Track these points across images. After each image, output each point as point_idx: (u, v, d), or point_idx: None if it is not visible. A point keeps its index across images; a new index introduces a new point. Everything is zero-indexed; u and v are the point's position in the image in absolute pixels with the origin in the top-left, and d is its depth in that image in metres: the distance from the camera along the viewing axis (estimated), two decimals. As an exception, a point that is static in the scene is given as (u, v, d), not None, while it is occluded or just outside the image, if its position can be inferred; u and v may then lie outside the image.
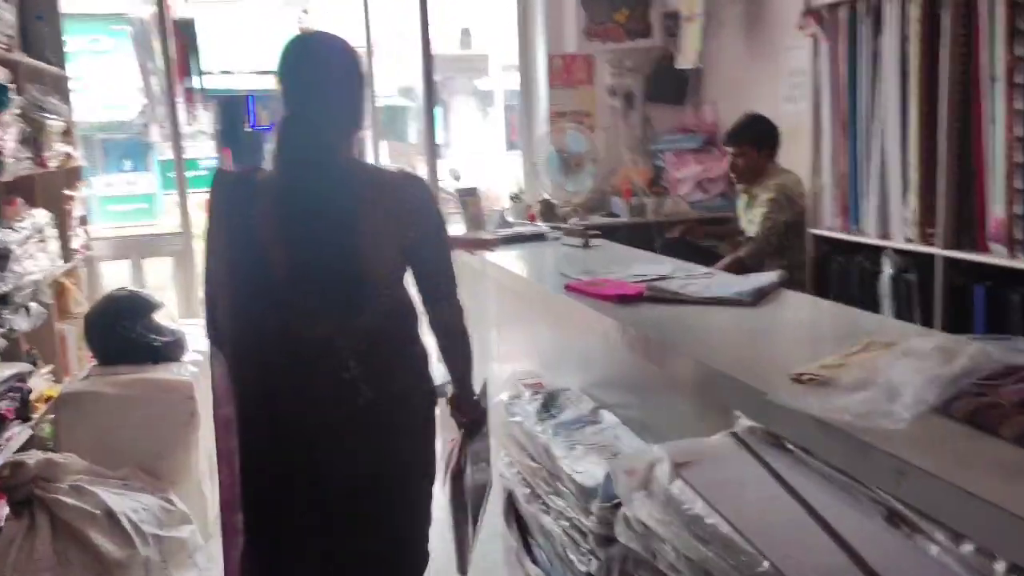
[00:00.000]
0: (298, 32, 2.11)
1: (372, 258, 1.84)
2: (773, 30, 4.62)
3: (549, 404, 2.69)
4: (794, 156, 4.49)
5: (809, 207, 3.95)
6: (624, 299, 2.45)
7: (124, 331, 3.41)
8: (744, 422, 1.78)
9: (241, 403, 1.89)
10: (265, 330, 1.84)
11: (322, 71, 1.86)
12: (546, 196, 5.04)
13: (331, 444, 1.87)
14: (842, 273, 3.78)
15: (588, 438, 2.40)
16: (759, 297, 2.42)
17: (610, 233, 4.88)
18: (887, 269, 3.46)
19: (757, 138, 3.96)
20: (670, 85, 5.36)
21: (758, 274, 2.72)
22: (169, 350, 3.47)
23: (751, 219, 3.97)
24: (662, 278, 2.78)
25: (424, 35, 4.64)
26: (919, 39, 3.20)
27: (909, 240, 3.35)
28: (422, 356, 2.02)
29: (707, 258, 3.92)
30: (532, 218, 4.85)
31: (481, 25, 5.64)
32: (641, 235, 5.04)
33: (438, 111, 5.71)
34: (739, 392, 1.71)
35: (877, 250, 3.53)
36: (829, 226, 3.84)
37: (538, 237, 4.10)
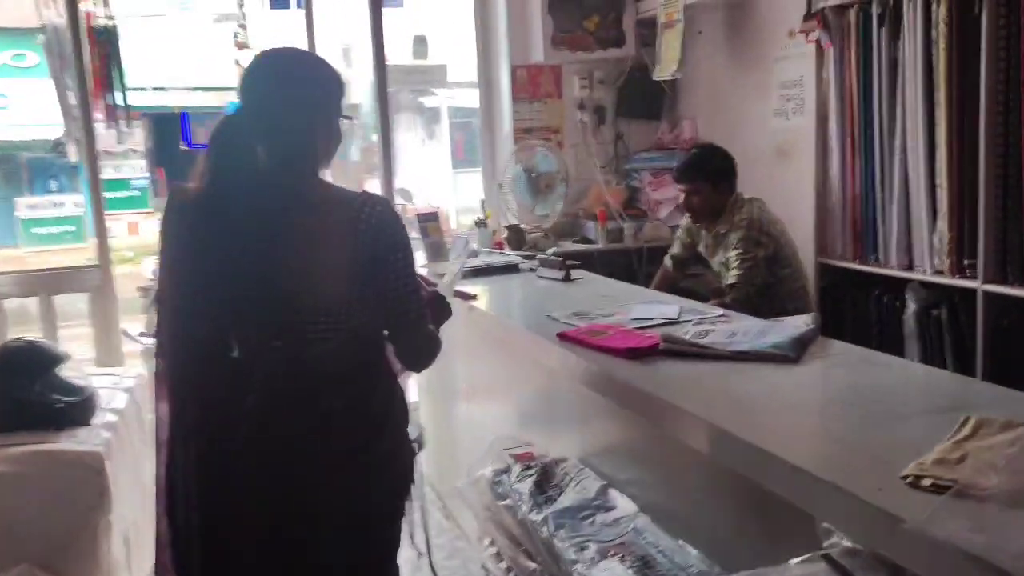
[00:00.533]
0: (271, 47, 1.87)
1: (315, 282, 1.65)
2: (761, 39, 4.22)
3: (544, 482, 2.20)
4: (788, 177, 4.09)
5: (807, 233, 3.54)
6: (636, 353, 1.99)
7: (20, 392, 2.82)
8: (839, 540, 1.32)
9: (177, 435, 1.73)
10: (203, 355, 1.69)
11: (273, 86, 1.70)
12: (513, 221, 4.56)
13: (263, 491, 1.66)
14: (856, 308, 3.37)
15: (601, 532, 1.92)
16: (801, 349, 1.98)
17: (586, 261, 4.42)
18: (912, 305, 3.05)
19: (711, 173, 3.49)
20: (644, 99, 4.93)
21: (790, 319, 2.27)
22: (76, 412, 2.88)
23: (723, 262, 3.55)
24: (671, 322, 2.32)
25: (377, 43, 4.13)
26: (947, 43, 2.81)
27: (939, 272, 2.94)
28: (388, 401, 1.78)
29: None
30: (500, 246, 4.36)
31: (438, 33, 5.14)
32: (620, 263, 4.59)
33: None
34: (832, 502, 1.26)
35: (899, 283, 3.13)
36: (840, 255, 3.43)
37: (510, 268, 3.63)
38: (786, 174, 4.09)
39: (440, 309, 1.94)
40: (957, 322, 2.90)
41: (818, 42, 3.35)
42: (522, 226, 4.48)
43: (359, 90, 4.80)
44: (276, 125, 1.67)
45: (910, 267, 3.07)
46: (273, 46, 1.83)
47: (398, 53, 5.02)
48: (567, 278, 3.28)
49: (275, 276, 1.61)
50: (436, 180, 7.64)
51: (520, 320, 2.65)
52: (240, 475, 1.65)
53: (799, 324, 2.17)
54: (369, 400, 1.72)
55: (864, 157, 3.24)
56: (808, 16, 3.35)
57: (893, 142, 3.09)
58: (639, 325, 2.32)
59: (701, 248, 3.79)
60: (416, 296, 1.74)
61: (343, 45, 5.83)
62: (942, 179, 2.86)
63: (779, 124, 4.14)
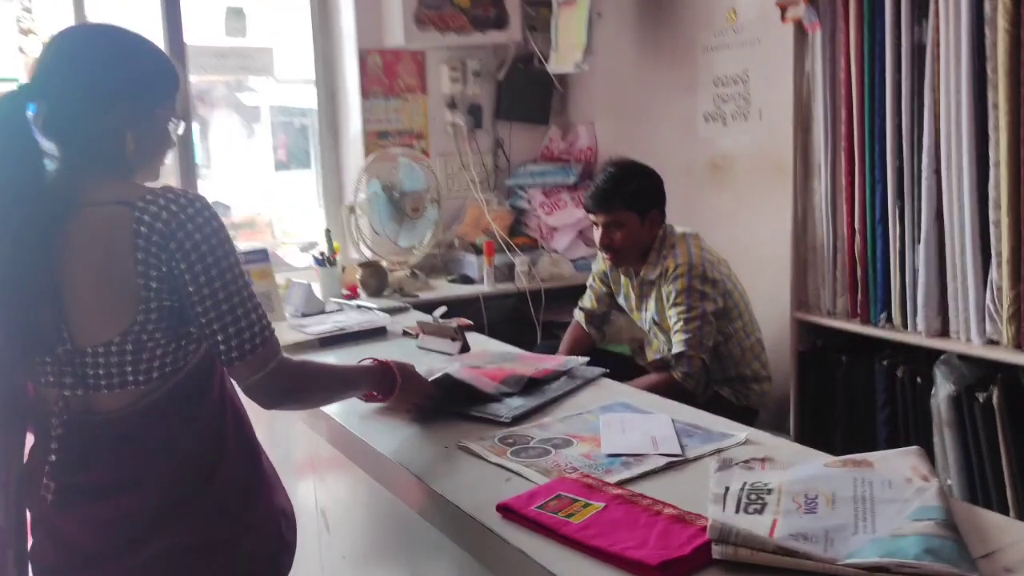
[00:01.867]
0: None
1: (95, 310, 1.26)
2: (686, 23, 3.30)
3: None
4: (725, 201, 3.19)
5: (772, 279, 2.66)
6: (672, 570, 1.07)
7: None
8: None
9: None
10: None
11: (64, 71, 1.33)
12: (370, 256, 3.43)
13: None
14: (852, 380, 2.50)
15: None
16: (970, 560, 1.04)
17: (469, 310, 3.37)
18: (947, 385, 2.19)
19: (637, 200, 2.55)
20: (531, 96, 3.92)
21: (887, 456, 1.33)
22: None
23: (655, 320, 2.65)
24: (673, 459, 1.39)
25: (170, 14, 2.86)
26: (1010, 21, 1.96)
27: (993, 342, 2.10)
28: (225, 484, 1.35)
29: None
30: (353, 291, 3.22)
31: (259, 6, 3.92)
32: (512, 312, 3.57)
33: (194, 126, 3.95)
34: None
35: (925, 354, 2.27)
36: (828, 312, 2.54)
37: (374, 333, 2.53)
38: (723, 197, 3.19)
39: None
40: (1019, 410, 2.07)
41: (799, 22, 2.44)
42: (383, 263, 3.36)
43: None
44: (65, 120, 1.31)
45: (943, 332, 2.21)
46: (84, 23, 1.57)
47: (206, 30, 3.78)
48: (464, 348, 2.25)
49: (53, 301, 1.26)
50: (256, 184, 6.51)
51: (406, 452, 1.58)
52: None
53: (921, 483, 1.24)
54: (184, 475, 1.31)
55: (869, 179, 2.36)
56: (787, -15, 2.44)
57: (918, 159, 2.22)
58: (628, 474, 1.34)
59: (621, 299, 2.84)
60: (245, 323, 1.29)
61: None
62: (1001, 212, 2.01)
63: (712, 132, 3.24)
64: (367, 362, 1.67)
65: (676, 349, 2.50)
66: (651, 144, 3.42)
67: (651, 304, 2.68)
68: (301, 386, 1.41)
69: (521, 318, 3.57)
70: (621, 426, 1.64)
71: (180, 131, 1.43)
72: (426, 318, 2.42)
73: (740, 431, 1.62)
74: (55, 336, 1.25)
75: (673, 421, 1.66)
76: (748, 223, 3.02)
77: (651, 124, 3.53)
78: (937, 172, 2.17)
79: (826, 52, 2.43)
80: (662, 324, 2.66)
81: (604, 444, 1.54)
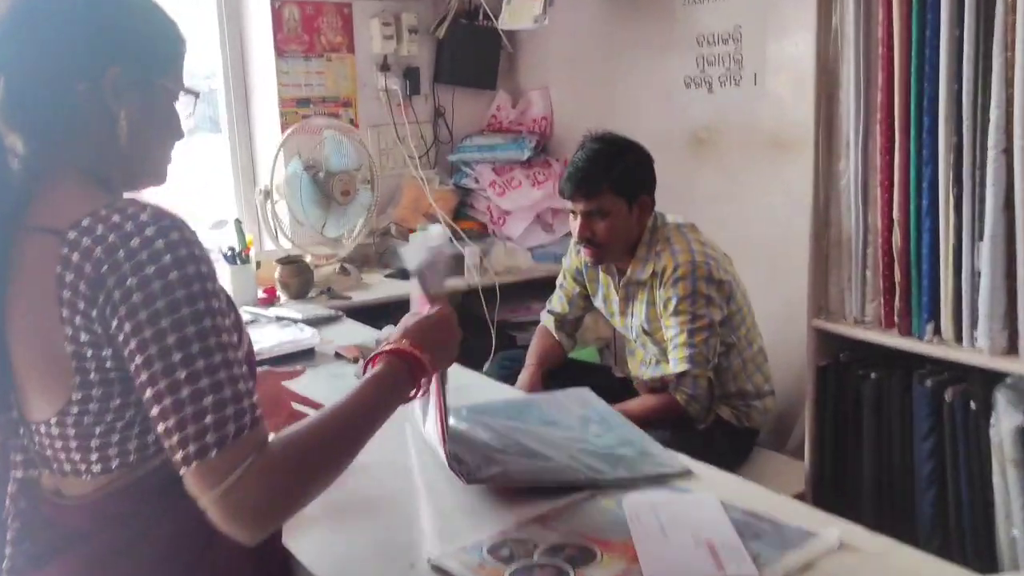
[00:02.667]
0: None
1: (23, 374, 0.96)
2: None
3: None
4: (708, 180, 2.73)
5: (783, 280, 2.23)
6: None
7: None
8: None
9: None
10: None
11: (15, 34, 0.96)
12: (291, 249, 2.86)
13: None
14: (885, 403, 2.07)
15: None
16: None
17: (400, 315, 2.85)
18: (1011, 415, 1.78)
19: (626, 183, 2.13)
20: (476, 57, 3.39)
21: None
22: None
23: (644, 329, 2.23)
24: None
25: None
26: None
27: (1081, 366, 1.69)
28: None
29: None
30: (271, 293, 2.66)
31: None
32: (463, 314, 3.06)
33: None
34: None
35: (980, 374, 1.85)
36: (857, 320, 2.10)
37: (301, 356, 2.04)
38: (707, 177, 2.73)
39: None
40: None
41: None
42: (307, 258, 2.80)
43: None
44: (33, 98, 0.97)
45: (1012, 350, 1.79)
46: None
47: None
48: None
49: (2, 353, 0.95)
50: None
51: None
52: None
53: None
54: None
55: (915, 160, 1.91)
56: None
57: (982, 135, 1.77)
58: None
59: (599, 301, 2.37)
60: (192, 411, 0.86)
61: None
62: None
63: (694, 100, 2.77)
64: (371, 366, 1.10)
65: (679, 368, 2.07)
66: (618, 113, 2.94)
67: (640, 309, 2.22)
68: (300, 475, 0.93)
69: (471, 317, 3.06)
70: (658, 523, 1.16)
71: (191, 114, 1.09)
72: (367, 340, 1.89)
73: (824, 525, 1.16)
74: (3, 398, 0.97)
75: (724, 506, 1.20)
76: (739, 208, 2.58)
77: (618, 90, 3.04)
78: (1007, 152, 1.73)
79: (860, 2, 1.96)
80: (654, 334, 2.20)
81: (644, 563, 1.06)
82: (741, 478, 1.35)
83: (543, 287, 3.00)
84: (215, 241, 3.72)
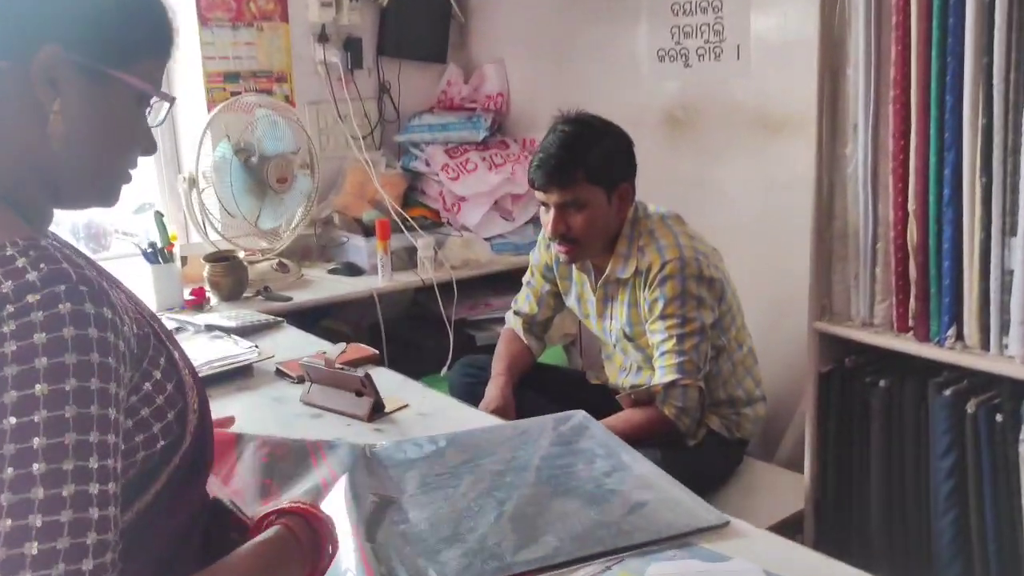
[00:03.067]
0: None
1: None
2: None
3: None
4: (686, 162, 2.50)
5: (782, 278, 2.01)
6: None
7: None
8: None
9: None
10: None
11: None
12: (220, 243, 2.53)
13: None
14: (896, 413, 1.87)
15: None
16: None
17: (361, 314, 2.58)
18: (1047, 431, 1.59)
19: (604, 170, 1.89)
20: (424, 27, 3.09)
21: None
22: None
23: (626, 332, 2.00)
24: None
25: None
26: None
27: None
28: None
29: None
30: (200, 295, 2.34)
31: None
32: (416, 316, 2.79)
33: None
34: None
35: (1011, 384, 1.66)
36: (865, 322, 1.89)
37: (237, 373, 1.76)
38: (683, 159, 2.50)
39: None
40: None
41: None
42: (240, 254, 2.48)
43: None
44: None
45: (1047, 359, 1.60)
46: None
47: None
48: (377, 409, 1.51)
49: None
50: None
51: None
52: None
53: None
54: None
55: (935, 144, 1.69)
56: None
57: (1016, 118, 1.56)
58: None
59: (572, 301, 2.13)
60: (38, 551, 0.63)
61: None
62: None
63: (669, 75, 2.53)
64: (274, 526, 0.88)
65: (667, 377, 1.85)
66: (583, 90, 2.68)
67: (620, 311, 1.98)
68: None
69: (424, 315, 2.80)
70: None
71: (160, 119, 0.86)
72: (316, 363, 1.61)
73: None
74: None
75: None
76: (720, 196, 2.35)
77: (582, 64, 2.78)
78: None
79: (873, -35, 1.73)
80: (636, 339, 1.97)
81: None
82: (786, 540, 1.11)
83: (504, 281, 2.75)
84: (139, 227, 3.36)
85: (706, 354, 1.89)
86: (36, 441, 0.64)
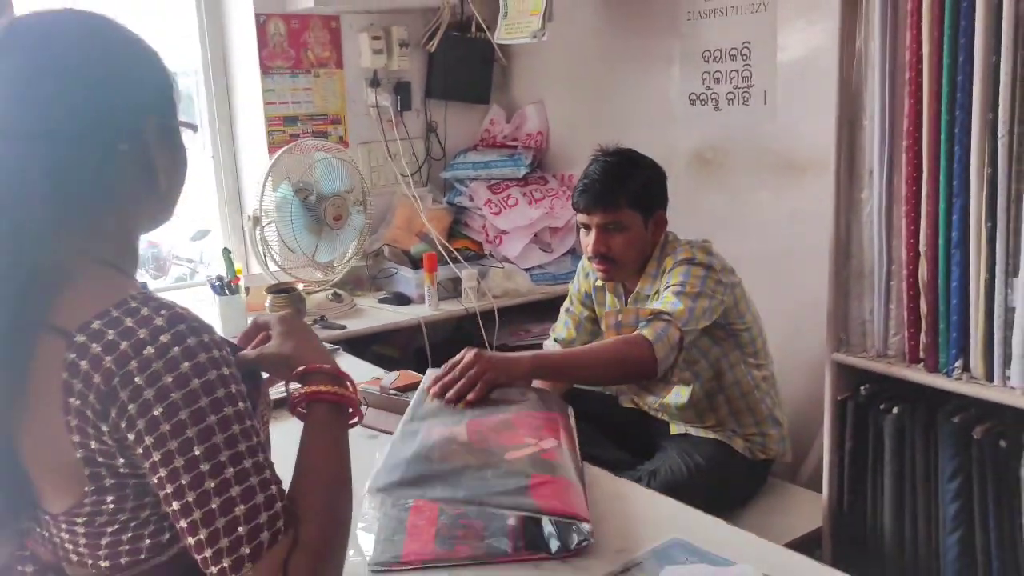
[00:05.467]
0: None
1: (39, 464, 0.89)
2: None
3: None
4: (714, 201, 2.65)
5: (802, 312, 2.14)
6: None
7: None
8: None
9: None
10: None
11: (16, 81, 0.89)
12: (280, 275, 2.73)
13: None
14: (907, 439, 1.99)
15: None
16: None
17: (407, 342, 2.75)
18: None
19: (644, 196, 2.07)
20: (469, 71, 3.28)
21: None
22: None
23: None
24: None
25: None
26: None
27: None
28: None
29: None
30: (260, 326, 2.54)
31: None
32: (456, 336, 2.96)
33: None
34: None
35: (1014, 413, 1.78)
36: (879, 353, 2.02)
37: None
38: (713, 197, 2.65)
39: None
40: None
41: (849, -19, 1.88)
42: (298, 286, 2.68)
43: None
44: (69, 162, 0.89)
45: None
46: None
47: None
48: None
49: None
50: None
51: None
52: None
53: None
54: None
55: (944, 190, 1.83)
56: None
57: (1018, 167, 1.70)
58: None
59: (603, 320, 2.27)
60: (224, 522, 0.84)
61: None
62: None
63: (700, 118, 2.68)
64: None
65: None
66: (618, 129, 2.81)
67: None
68: (335, 555, 0.94)
69: (468, 341, 2.95)
70: None
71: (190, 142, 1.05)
72: (371, 388, 1.78)
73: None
74: (20, 494, 0.91)
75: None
76: (746, 231, 2.49)
77: (618, 105, 2.95)
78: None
79: (886, 24, 1.87)
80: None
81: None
82: (788, 550, 1.26)
83: (542, 309, 2.91)
84: (196, 251, 3.58)
85: (706, 316, 1.94)
86: (196, 450, 0.83)
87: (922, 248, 1.89)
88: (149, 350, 0.83)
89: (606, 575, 1.17)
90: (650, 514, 1.41)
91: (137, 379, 0.82)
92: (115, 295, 0.86)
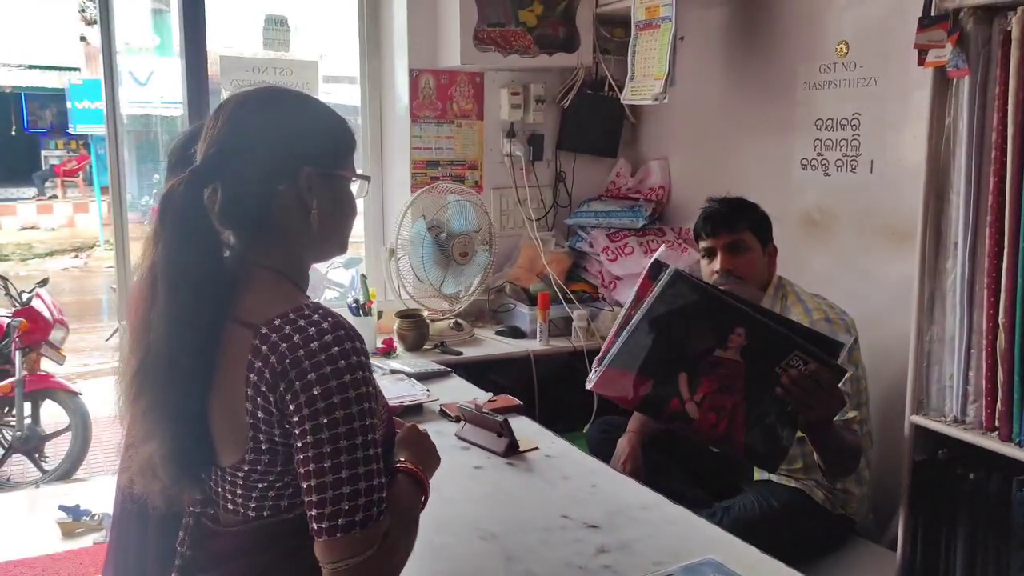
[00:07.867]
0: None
1: (224, 439, 1.14)
2: (785, 54, 2.87)
3: None
4: (821, 261, 2.75)
5: (883, 374, 2.23)
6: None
7: None
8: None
9: None
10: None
11: (230, 140, 1.15)
12: (410, 303, 3.04)
13: None
14: (981, 504, 2.04)
15: None
16: None
17: (513, 370, 2.98)
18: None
19: (763, 226, 2.30)
20: (599, 126, 3.52)
21: None
22: None
23: None
24: None
25: (192, 18, 2.48)
26: None
27: None
28: None
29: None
30: (389, 344, 2.85)
31: (304, 17, 3.58)
32: (561, 374, 3.15)
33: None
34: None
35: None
36: (956, 420, 2.08)
37: (408, 411, 2.19)
38: (819, 257, 2.76)
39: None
40: None
41: (941, 67, 2.00)
42: (424, 313, 2.98)
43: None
44: (246, 200, 1.16)
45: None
46: (246, 90, 1.21)
47: (242, 39, 3.45)
48: (511, 448, 1.89)
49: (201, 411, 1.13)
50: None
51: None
52: None
53: None
54: None
55: (1023, 265, 1.90)
56: (929, 22, 1.99)
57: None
58: None
59: None
60: (348, 491, 1.04)
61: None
62: None
63: (811, 182, 2.80)
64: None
65: (847, 414, 2.07)
66: (735, 187, 2.94)
67: None
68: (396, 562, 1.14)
69: (574, 377, 3.15)
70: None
71: (364, 193, 1.27)
72: (468, 406, 2.03)
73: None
74: (202, 448, 1.15)
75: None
76: (851, 292, 2.58)
77: (736, 165, 3.10)
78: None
79: (974, 105, 1.97)
80: None
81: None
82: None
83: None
84: (345, 278, 3.95)
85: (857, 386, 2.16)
86: (340, 428, 1.04)
87: (1001, 319, 1.96)
88: (315, 344, 1.05)
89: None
90: (692, 534, 1.56)
91: (304, 364, 1.04)
92: (293, 302, 1.10)
